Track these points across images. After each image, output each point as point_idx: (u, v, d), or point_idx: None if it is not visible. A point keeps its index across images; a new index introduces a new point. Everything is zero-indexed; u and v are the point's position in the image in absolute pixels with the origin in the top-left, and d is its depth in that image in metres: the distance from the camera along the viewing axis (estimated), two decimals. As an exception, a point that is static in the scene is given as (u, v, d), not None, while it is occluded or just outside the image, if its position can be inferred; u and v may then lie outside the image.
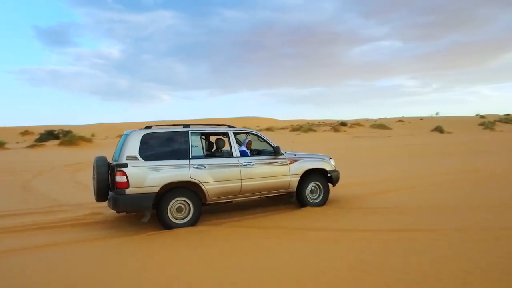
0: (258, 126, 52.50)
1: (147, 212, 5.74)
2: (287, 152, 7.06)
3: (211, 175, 6.06)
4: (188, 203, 5.93)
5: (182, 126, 6.30)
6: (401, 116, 56.15)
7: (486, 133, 35.29)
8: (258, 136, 7.02)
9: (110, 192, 5.94)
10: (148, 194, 5.61)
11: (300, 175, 6.86)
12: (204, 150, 6.66)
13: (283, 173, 6.73)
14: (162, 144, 5.99)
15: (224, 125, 6.88)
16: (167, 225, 5.77)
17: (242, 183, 6.32)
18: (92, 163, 6.17)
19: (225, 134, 6.70)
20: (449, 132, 37.14)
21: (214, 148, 7.00)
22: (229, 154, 6.52)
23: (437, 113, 57.10)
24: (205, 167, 6.04)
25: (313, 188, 7.06)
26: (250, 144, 7.10)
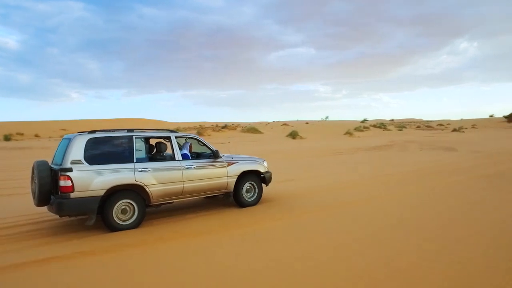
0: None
1: (92, 215, 5.85)
2: (225, 155, 7.65)
3: (155, 178, 6.38)
4: (132, 205, 6.17)
5: (126, 130, 6.49)
6: (301, 120, 58.16)
7: (341, 139, 34.41)
8: (198, 141, 7.48)
9: (52, 197, 5.91)
10: (94, 198, 5.75)
11: (237, 176, 7.50)
12: (147, 153, 6.93)
13: (222, 175, 7.30)
14: (107, 148, 6.13)
15: (166, 130, 7.22)
16: (112, 227, 5.95)
17: (184, 185, 6.74)
18: (32, 167, 6.05)
19: (168, 139, 7.05)
20: (302, 138, 35.39)
21: (155, 151, 7.30)
22: (171, 158, 6.88)
23: (327, 117, 61.68)
24: (149, 170, 6.33)
25: (248, 188, 7.75)
26: (191, 147, 7.54)
